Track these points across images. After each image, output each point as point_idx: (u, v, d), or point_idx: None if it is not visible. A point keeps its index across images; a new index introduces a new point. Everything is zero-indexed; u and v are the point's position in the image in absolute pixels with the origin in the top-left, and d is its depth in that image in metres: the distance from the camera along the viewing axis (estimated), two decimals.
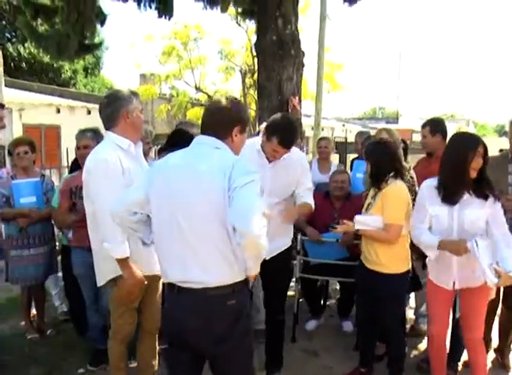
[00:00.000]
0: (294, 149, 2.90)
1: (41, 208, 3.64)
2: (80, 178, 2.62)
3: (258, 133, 3.32)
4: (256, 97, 8.10)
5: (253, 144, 2.83)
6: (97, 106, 2.68)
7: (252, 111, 13.82)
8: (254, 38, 7.03)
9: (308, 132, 8.98)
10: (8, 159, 4.31)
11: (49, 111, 13.74)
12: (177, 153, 2.01)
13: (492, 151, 3.35)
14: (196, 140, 2.02)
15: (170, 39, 16.81)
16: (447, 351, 2.97)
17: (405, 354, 3.18)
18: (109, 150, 2.44)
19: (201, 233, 1.85)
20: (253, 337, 2.07)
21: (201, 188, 1.85)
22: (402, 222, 2.89)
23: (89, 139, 3.25)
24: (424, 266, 3.05)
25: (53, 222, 3.76)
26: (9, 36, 21.42)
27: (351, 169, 4.50)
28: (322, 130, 8.31)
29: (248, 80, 16.30)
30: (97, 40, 9.03)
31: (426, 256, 2.82)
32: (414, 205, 2.91)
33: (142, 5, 6.34)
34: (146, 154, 3.36)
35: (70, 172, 3.87)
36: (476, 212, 2.60)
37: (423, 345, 3.68)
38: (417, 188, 3.27)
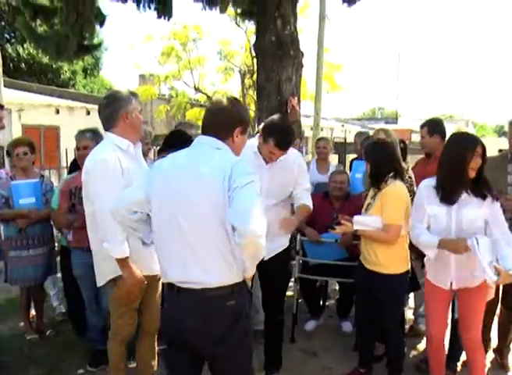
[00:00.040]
0: (291, 150, 2.91)
1: (40, 209, 3.64)
2: (80, 179, 2.62)
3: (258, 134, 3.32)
4: (255, 97, 8.10)
5: (251, 146, 2.84)
6: (96, 107, 2.69)
7: (251, 111, 13.82)
8: (253, 39, 7.02)
9: (307, 132, 8.99)
10: (7, 160, 4.30)
11: (48, 111, 13.73)
12: (178, 153, 2.02)
13: (492, 152, 3.37)
14: (197, 140, 2.02)
15: (169, 40, 16.81)
16: (446, 351, 2.98)
17: (404, 354, 3.18)
18: (109, 150, 2.44)
19: (201, 233, 1.85)
20: (252, 338, 2.07)
21: (202, 188, 1.85)
22: (401, 222, 2.89)
23: (88, 140, 3.25)
24: (423, 266, 3.05)
25: (52, 223, 3.76)
26: (8, 37, 21.40)
27: (350, 170, 4.51)
28: (321, 130, 8.30)
29: (247, 81, 16.30)
30: (96, 40, 9.04)
31: (425, 256, 2.83)
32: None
33: (141, 5, 6.34)
34: (145, 155, 3.36)
35: (69, 172, 3.87)
36: (474, 211, 2.61)
37: (422, 345, 3.68)
38: (415, 188, 3.27)
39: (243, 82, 16.66)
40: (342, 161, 11.29)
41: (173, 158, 2.01)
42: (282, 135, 2.75)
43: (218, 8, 6.96)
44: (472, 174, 2.58)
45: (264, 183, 2.70)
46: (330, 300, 4.71)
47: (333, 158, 7.61)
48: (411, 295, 4.12)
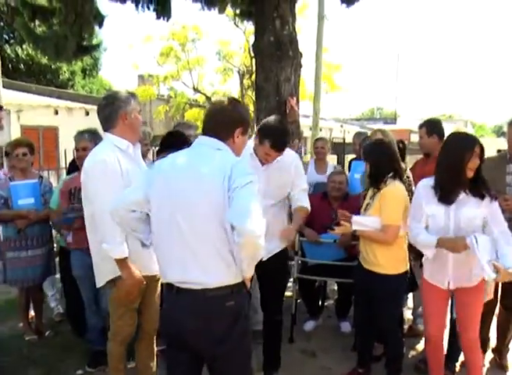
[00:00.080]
0: (288, 151, 2.91)
1: (39, 210, 3.64)
2: (79, 179, 2.62)
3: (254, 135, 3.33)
4: (254, 98, 8.10)
5: (247, 147, 2.84)
6: (95, 107, 2.69)
7: (250, 112, 13.82)
8: (251, 39, 7.03)
9: (306, 132, 8.99)
10: (5, 161, 4.30)
11: (47, 112, 13.74)
12: (178, 154, 2.02)
13: (490, 152, 3.37)
14: (197, 140, 2.02)
15: (168, 40, 16.84)
16: (445, 351, 2.98)
17: (403, 354, 3.18)
18: (108, 151, 2.44)
19: (201, 233, 1.86)
20: (251, 338, 2.07)
21: (202, 189, 1.85)
22: (399, 223, 2.89)
23: (87, 141, 3.25)
24: (422, 266, 3.05)
25: (51, 223, 3.76)
26: (7, 37, 21.36)
27: (349, 170, 4.51)
28: (320, 130, 8.33)
29: (246, 81, 16.32)
30: (95, 41, 9.05)
31: (423, 256, 2.83)
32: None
33: (140, 6, 6.32)
34: (144, 155, 3.36)
35: (68, 173, 3.87)
36: (472, 210, 2.61)
37: (421, 346, 3.68)
38: (413, 188, 3.28)
39: (241, 82, 16.68)
40: (340, 161, 11.32)
41: (173, 158, 2.01)
42: (277, 136, 2.75)
43: (216, 9, 6.96)
44: (470, 174, 2.59)
45: (261, 184, 2.70)
46: (329, 300, 4.71)
47: (332, 159, 7.63)
48: (410, 295, 4.12)
